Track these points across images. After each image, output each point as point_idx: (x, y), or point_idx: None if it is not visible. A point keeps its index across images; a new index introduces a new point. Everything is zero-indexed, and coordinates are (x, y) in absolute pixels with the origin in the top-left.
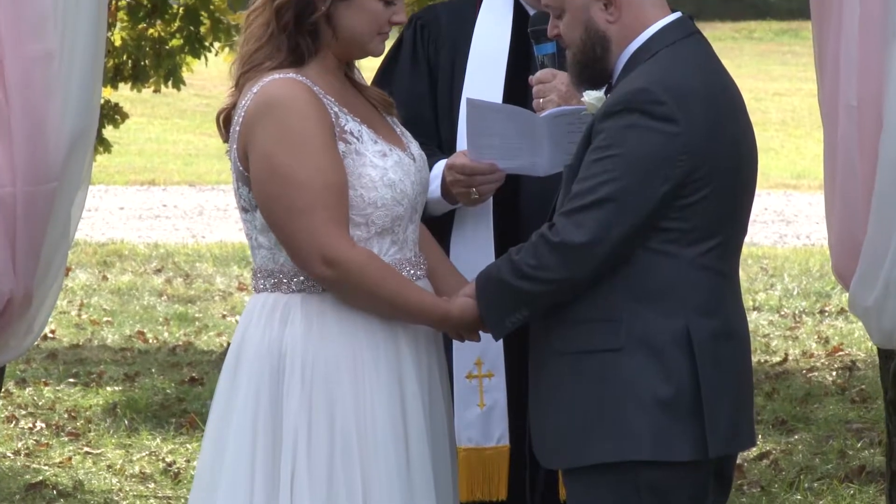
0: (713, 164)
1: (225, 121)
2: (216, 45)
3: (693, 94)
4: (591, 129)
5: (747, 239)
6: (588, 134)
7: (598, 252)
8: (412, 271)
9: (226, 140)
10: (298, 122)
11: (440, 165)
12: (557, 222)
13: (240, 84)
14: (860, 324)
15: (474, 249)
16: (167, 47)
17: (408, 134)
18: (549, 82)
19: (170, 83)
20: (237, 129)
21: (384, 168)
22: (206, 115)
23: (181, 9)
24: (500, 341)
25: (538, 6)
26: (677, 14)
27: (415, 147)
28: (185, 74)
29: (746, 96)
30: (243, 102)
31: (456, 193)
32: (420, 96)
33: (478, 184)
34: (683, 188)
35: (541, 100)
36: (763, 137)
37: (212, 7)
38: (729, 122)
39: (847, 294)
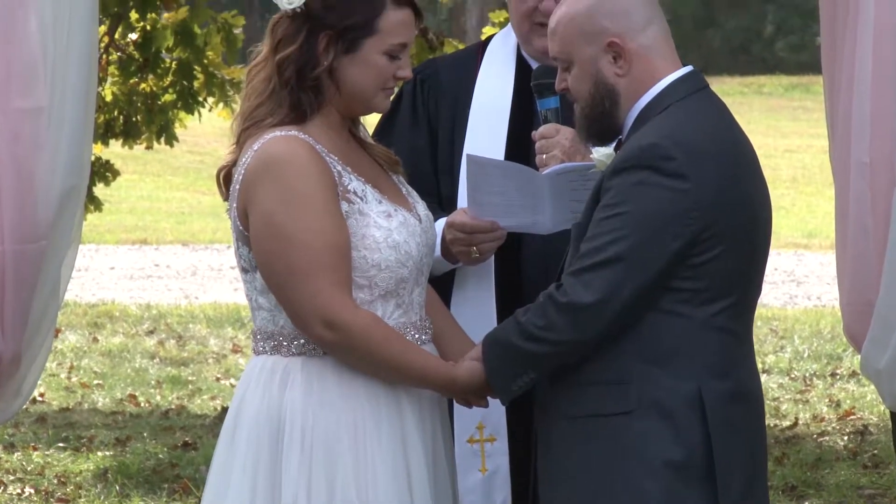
0: (725, 221)
1: (225, 178)
2: (210, 100)
3: (704, 149)
4: (600, 186)
5: None
6: (597, 191)
7: (608, 312)
8: (417, 336)
9: (226, 198)
10: (299, 181)
11: (440, 223)
12: (565, 282)
13: (241, 141)
14: (872, 387)
15: (475, 310)
16: (159, 103)
17: (414, 193)
18: (553, 137)
19: (162, 139)
20: (237, 187)
21: (389, 229)
22: (200, 171)
23: (174, 63)
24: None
25: (542, 59)
26: (688, 68)
27: (421, 207)
28: (177, 130)
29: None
30: (244, 160)
31: (456, 252)
32: (420, 151)
33: (478, 242)
34: (695, 246)
35: (544, 155)
36: (773, 195)
37: (205, 61)
38: (742, 179)
39: (859, 356)
